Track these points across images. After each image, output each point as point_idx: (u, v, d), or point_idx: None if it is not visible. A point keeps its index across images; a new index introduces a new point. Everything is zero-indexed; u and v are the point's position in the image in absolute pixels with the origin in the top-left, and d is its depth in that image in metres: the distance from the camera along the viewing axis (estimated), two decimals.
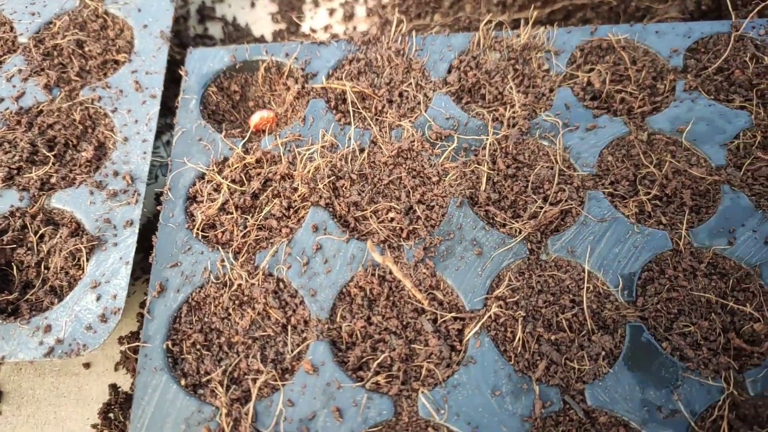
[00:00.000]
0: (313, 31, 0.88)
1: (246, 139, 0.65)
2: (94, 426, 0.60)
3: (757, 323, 0.53)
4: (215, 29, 0.89)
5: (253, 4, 0.92)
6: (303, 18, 0.91)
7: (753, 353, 0.52)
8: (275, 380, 0.50)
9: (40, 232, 0.59)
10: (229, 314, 0.54)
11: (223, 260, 0.56)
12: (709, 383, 0.50)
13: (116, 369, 0.64)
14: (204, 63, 0.70)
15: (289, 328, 0.53)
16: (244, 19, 0.91)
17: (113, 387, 0.61)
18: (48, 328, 0.53)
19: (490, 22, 0.73)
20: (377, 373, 0.51)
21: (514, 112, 0.66)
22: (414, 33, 0.72)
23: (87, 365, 0.65)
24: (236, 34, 0.88)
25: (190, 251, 0.57)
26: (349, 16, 0.90)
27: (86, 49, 0.71)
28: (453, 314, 0.54)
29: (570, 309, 0.54)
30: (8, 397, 0.63)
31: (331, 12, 0.91)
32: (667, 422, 0.49)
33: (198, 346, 0.53)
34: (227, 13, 0.91)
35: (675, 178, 0.62)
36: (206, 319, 0.54)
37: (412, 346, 0.52)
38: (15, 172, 0.62)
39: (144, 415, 0.49)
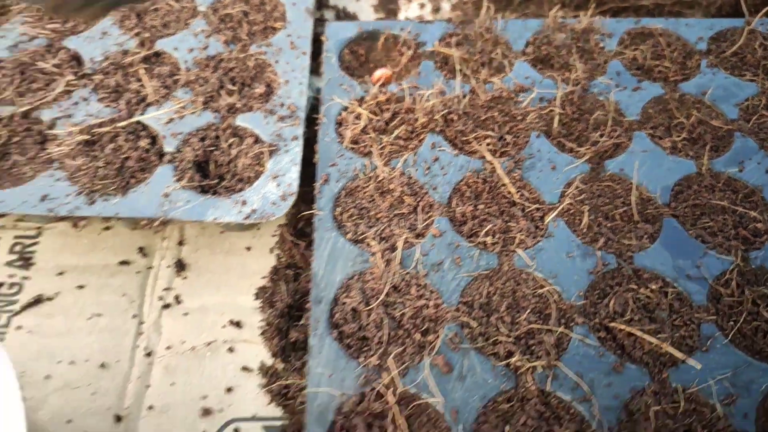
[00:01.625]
0: (408, 20, 1.11)
1: (376, 87, 0.86)
2: (263, 287, 0.80)
3: (758, 223, 0.73)
4: (329, 15, 1.12)
5: None
6: (399, 10, 1.13)
7: (755, 242, 0.72)
8: (412, 240, 0.71)
9: (230, 141, 0.81)
10: (374, 199, 0.75)
11: (368, 163, 0.77)
12: (722, 257, 0.70)
13: (271, 251, 0.85)
14: (339, 32, 0.93)
15: (419, 209, 0.74)
16: (352, 8, 1.13)
17: (278, 255, 0.82)
18: (244, 202, 0.74)
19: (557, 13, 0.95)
20: (484, 237, 0.71)
21: (577, 76, 0.87)
22: (499, 17, 0.95)
23: (248, 248, 0.85)
24: (346, 19, 1.11)
25: (343, 156, 0.78)
26: (436, 9, 1.12)
27: (251, 17, 0.93)
28: (536, 206, 0.74)
29: (621, 207, 0.75)
30: (190, 267, 0.84)
31: (422, 5, 1.14)
32: (692, 280, 0.69)
33: (354, 217, 0.74)
34: (339, 2, 1.14)
35: (699, 126, 0.83)
36: (357, 202, 0.75)
37: (508, 224, 0.73)
38: (209, 99, 0.83)
39: (322, 256, 0.70)
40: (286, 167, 0.77)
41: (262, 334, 0.76)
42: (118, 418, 0.71)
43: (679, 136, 0.81)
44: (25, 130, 0.80)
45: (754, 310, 0.67)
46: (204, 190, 0.77)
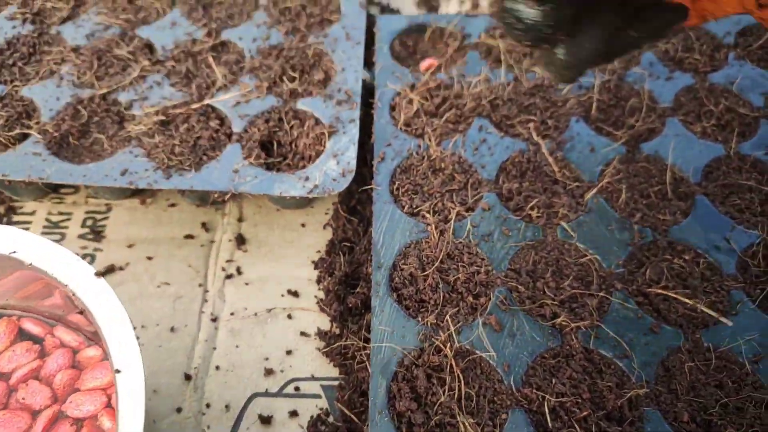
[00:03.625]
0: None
1: (426, 75, 0.93)
2: (322, 258, 0.87)
3: None
4: (374, 10, 1.19)
5: None
6: (439, 6, 1.20)
7: None
8: (463, 213, 0.78)
9: (291, 123, 0.87)
10: (427, 176, 0.82)
11: (420, 143, 0.84)
12: (749, 231, 0.76)
13: (324, 228, 0.91)
14: (390, 25, 1.00)
15: (469, 185, 0.81)
16: (395, 4, 1.20)
17: (334, 229, 0.89)
18: (307, 178, 0.81)
19: None
20: (530, 211, 0.78)
21: (613, 66, 0.93)
22: None
23: (303, 225, 0.92)
24: (391, 14, 1.17)
25: (398, 137, 0.85)
26: (475, 5, 1.19)
27: (308, 10, 1.00)
28: (577, 184, 0.80)
29: (656, 186, 0.80)
30: (250, 241, 0.90)
31: (462, 2, 1.20)
32: (721, 252, 0.75)
33: (409, 192, 0.80)
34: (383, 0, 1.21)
35: (727, 113, 0.88)
36: (412, 178, 0.82)
37: (551, 200, 0.79)
38: (273, 84, 0.91)
39: (381, 226, 0.76)
40: (345, 146, 0.84)
41: (321, 301, 0.83)
42: (188, 377, 0.77)
43: (708, 122, 0.87)
44: (104, 110, 0.88)
45: None
46: (269, 167, 0.84)
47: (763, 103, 0.89)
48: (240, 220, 0.93)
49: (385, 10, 1.18)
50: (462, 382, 0.64)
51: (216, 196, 0.80)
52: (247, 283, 0.86)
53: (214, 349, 0.80)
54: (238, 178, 0.81)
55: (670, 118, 0.87)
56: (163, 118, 0.85)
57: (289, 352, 0.80)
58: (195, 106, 0.87)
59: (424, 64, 0.96)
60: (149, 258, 0.88)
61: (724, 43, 0.97)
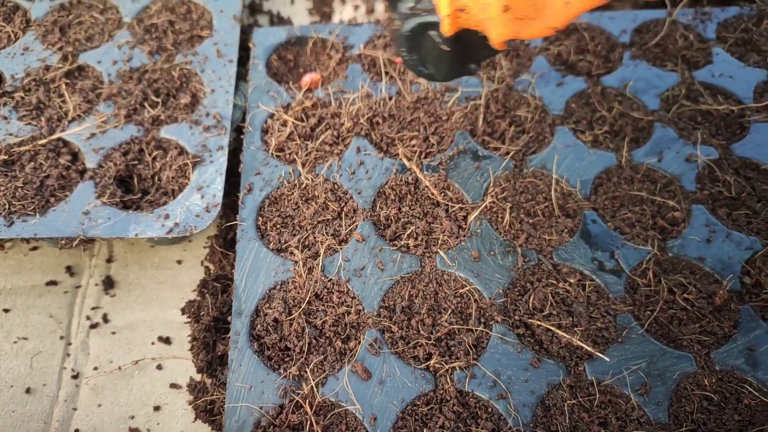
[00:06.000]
0: (342, 22, 1.10)
1: (302, 92, 0.86)
2: (190, 301, 0.80)
3: (676, 212, 0.75)
4: (263, 20, 1.11)
5: (292, 1, 1.14)
6: (333, 12, 1.13)
7: (672, 230, 0.74)
8: (335, 246, 0.71)
9: (153, 154, 0.80)
10: (299, 206, 0.75)
11: (292, 170, 0.77)
12: (640, 248, 0.72)
13: (202, 264, 0.84)
14: (267, 38, 0.92)
15: (343, 214, 0.74)
16: (286, 12, 1.13)
17: (207, 268, 0.82)
18: (167, 216, 0.74)
19: None
20: (407, 240, 0.71)
21: (502, 73, 0.88)
22: None
23: (179, 262, 0.85)
24: (280, 24, 1.10)
25: (268, 165, 0.78)
26: (370, 11, 1.12)
27: (176, 27, 0.92)
28: (460, 205, 0.75)
29: (543, 203, 0.75)
30: (119, 284, 0.83)
31: (356, 7, 1.14)
32: (609, 272, 0.70)
33: (278, 226, 0.73)
34: (272, 7, 1.13)
35: (621, 118, 0.84)
36: (282, 210, 0.75)
37: (431, 225, 0.73)
38: (132, 111, 0.83)
39: (244, 267, 0.69)
40: (211, 178, 0.77)
41: (191, 349, 0.76)
42: None
43: (600, 129, 0.83)
44: None
45: (670, 298, 0.68)
46: (127, 206, 0.76)
47: (659, 105, 0.85)
48: (110, 260, 0.85)
49: (275, 19, 1.11)
50: None
51: (63, 242, 0.72)
52: (114, 332, 0.79)
53: (75, 410, 0.73)
54: (88, 221, 0.73)
55: (560, 127, 0.82)
56: (6, 157, 0.77)
57: (157, 408, 0.73)
58: (43, 141, 0.78)
59: (304, 80, 0.89)
60: (6, 311, 0.80)
61: (619, 42, 0.93)
